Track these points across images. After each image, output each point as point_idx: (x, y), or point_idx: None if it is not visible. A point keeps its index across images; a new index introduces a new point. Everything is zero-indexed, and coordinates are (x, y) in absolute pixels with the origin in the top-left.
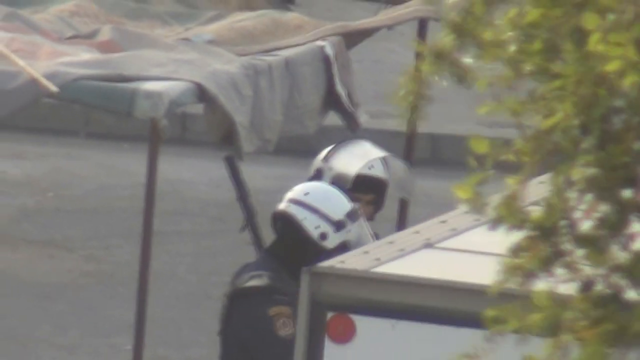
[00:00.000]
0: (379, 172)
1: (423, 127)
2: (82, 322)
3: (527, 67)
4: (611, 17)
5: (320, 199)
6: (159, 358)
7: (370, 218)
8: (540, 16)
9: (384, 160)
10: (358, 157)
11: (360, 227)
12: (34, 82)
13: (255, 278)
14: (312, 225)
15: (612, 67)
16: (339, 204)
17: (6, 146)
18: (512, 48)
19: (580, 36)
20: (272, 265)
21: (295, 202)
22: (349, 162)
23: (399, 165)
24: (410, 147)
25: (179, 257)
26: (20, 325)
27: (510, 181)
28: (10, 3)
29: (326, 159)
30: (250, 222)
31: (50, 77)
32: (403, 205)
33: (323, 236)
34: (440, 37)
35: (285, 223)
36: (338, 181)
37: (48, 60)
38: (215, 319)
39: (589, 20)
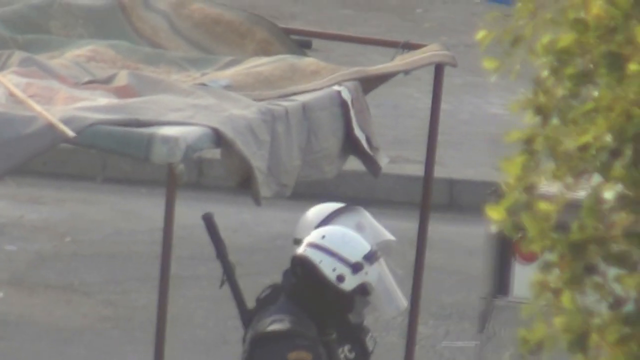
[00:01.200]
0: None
1: (441, 172)
2: None
3: (560, 92)
4: None
5: (337, 242)
6: None
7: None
8: (573, 41)
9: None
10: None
11: (381, 268)
12: (50, 127)
13: (277, 322)
14: (329, 267)
15: None
16: (356, 246)
17: (24, 191)
18: (545, 73)
19: (612, 60)
20: (293, 309)
21: (312, 245)
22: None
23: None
24: (427, 192)
25: (196, 301)
26: None
27: (542, 205)
28: (27, 48)
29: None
30: (229, 278)
31: (67, 122)
32: (420, 251)
33: (340, 278)
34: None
35: (303, 267)
36: None
37: (65, 105)
38: None
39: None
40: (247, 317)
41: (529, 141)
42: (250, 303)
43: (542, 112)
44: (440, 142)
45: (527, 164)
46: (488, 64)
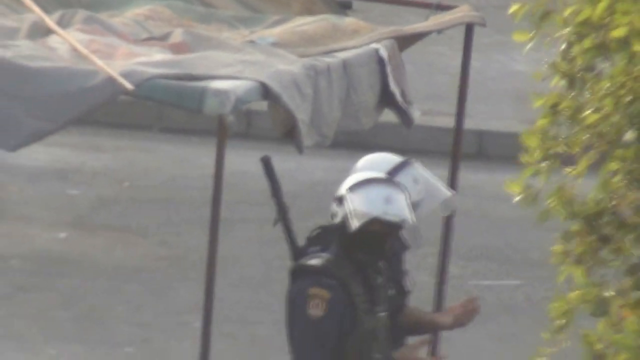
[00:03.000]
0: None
1: (470, 124)
2: (155, 302)
3: (579, 62)
4: None
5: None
6: (225, 335)
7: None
8: (591, 16)
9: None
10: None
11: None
12: (111, 80)
13: (314, 258)
14: (331, 213)
15: None
16: (346, 182)
17: (85, 140)
18: (564, 45)
19: (622, 40)
20: (336, 250)
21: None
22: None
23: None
24: (458, 142)
25: (244, 243)
26: (98, 305)
27: (567, 171)
28: (90, 7)
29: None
30: (283, 217)
31: (126, 75)
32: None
33: (331, 215)
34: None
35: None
36: None
37: (124, 60)
38: (277, 301)
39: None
40: (297, 252)
41: (554, 105)
42: (301, 242)
43: (566, 78)
44: (469, 97)
45: (549, 128)
46: (518, 36)
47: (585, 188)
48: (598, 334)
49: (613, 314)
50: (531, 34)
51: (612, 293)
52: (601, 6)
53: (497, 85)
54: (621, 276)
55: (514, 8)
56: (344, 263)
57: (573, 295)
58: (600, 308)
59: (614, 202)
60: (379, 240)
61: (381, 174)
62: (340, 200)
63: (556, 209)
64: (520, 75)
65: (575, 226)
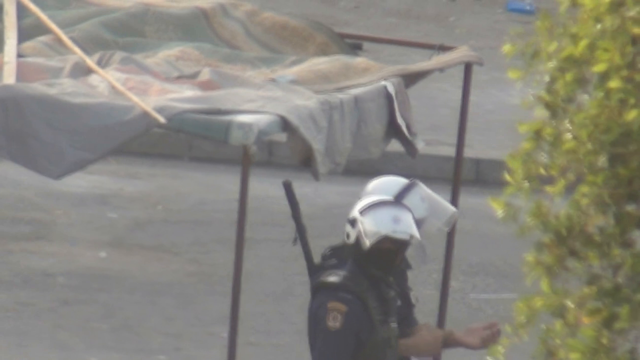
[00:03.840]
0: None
1: (469, 153)
2: (186, 314)
3: (561, 94)
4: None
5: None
6: (250, 344)
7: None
8: (573, 53)
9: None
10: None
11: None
12: (145, 114)
13: (333, 275)
14: (345, 233)
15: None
16: (358, 205)
17: (123, 168)
18: (548, 77)
19: (602, 75)
20: (352, 267)
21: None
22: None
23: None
24: (458, 169)
25: (267, 260)
26: (134, 316)
27: (546, 189)
28: (126, 49)
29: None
30: (301, 237)
31: (159, 110)
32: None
33: (346, 235)
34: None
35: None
36: None
37: (157, 96)
38: (298, 313)
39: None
40: (314, 269)
41: (537, 131)
42: (316, 260)
43: (549, 108)
44: (468, 128)
45: (531, 153)
46: (512, 74)
47: (561, 208)
48: (554, 332)
49: (570, 318)
50: (523, 72)
51: (572, 305)
52: (582, 44)
53: (493, 117)
54: (583, 285)
55: (506, 47)
56: (359, 278)
57: (537, 300)
58: (560, 312)
59: (582, 221)
60: (390, 257)
61: (388, 197)
62: (353, 222)
63: (533, 224)
64: (514, 108)
65: (546, 238)
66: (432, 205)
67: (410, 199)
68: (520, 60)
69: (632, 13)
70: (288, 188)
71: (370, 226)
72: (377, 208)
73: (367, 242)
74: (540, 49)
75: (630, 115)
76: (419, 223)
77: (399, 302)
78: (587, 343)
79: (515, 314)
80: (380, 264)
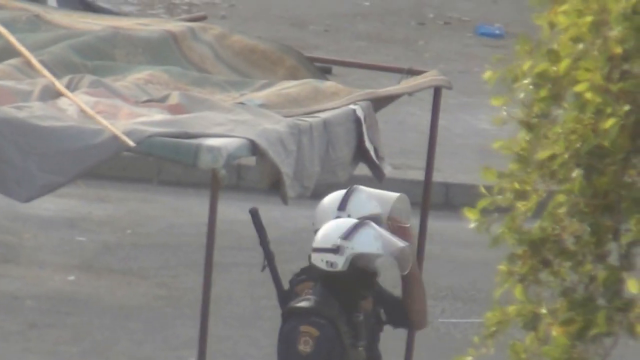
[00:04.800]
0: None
1: (438, 177)
2: (154, 338)
3: (536, 110)
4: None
5: (319, 238)
6: None
7: None
8: (547, 69)
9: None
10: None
11: (374, 229)
12: (115, 138)
13: (305, 300)
14: (320, 262)
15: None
16: (332, 233)
17: (92, 191)
18: (522, 95)
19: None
20: (322, 291)
21: (313, 250)
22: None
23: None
24: (427, 193)
25: (235, 284)
26: (103, 340)
27: (519, 205)
28: (95, 72)
29: (341, 207)
30: (269, 263)
31: (129, 134)
32: (420, 243)
33: (331, 265)
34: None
35: (315, 268)
36: None
37: (127, 119)
38: (266, 337)
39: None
40: (282, 294)
41: (511, 146)
42: (285, 285)
43: (523, 124)
44: (437, 152)
45: (502, 172)
46: (495, 101)
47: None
48: (525, 346)
49: (541, 330)
50: (505, 97)
51: (545, 311)
52: (564, 64)
53: (462, 141)
54: (556, 297)
55: (487, 74)
56: (331, 303)
57: (510, 308)
58: (532, 323)
59: (557, 231)
60: (374, 274)
61: (354, 219)
62: (337, 249)
63: (506, 235)
64: (483, 132)
65: (520, 250)
66: (378, 199)
67: (355, 201)
68: (485, 85)
69: (614, 33)
70: (255, 215)
71: (363, 248)
72: (359, 230)
73: (366, 264)
74: (520, 73)
75: (607, 123)
76: (377, 220)
77: (373, 320)
78: (561, 353)
79: (485, 324)
80: (366, 283)
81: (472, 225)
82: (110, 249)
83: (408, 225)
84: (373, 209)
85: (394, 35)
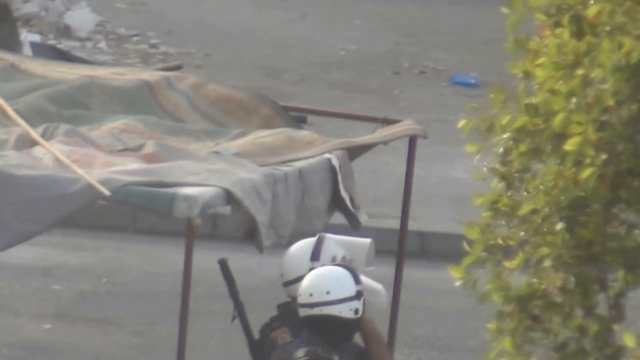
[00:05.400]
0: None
1: (413, 226)
2: None
3: (516, 164)
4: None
5: (339, 289)
6: None
7: None
8: (526, 123)
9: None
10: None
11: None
12: (90, 187)
13: (302, 348)
14: (348, 311)
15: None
16: (348, 280)
17: (68, 240)
18: (502, 149)
19: (557, 140)
20: (310, 337)
21: (323, 304)
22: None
23: (361, 247)
24: (402, 242)
25: (211, 332)
26: None
27: (505, 264)
28: (70, 122)
29: (314, 257)
30: (240, 314)
31: (104, 183)
32: (396, 291)
33: (357, 312)
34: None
35: (324, 321)
36: None
37: (102, 169)
38: None
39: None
40: (254, 346)
41: (494, 203)
42: (256, 335)
43: (504, 179)
44: (413, 201)
45: (489, 224)
46: (470, 147)
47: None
48: None
49: None
50: (480, 145)
51: None
52: (559, 118)
53: (437, 190)
54: (550, 353)
55: (462, 123)
56: (326, 347)
57: None
58: None
59: (543, 285)
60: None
61: (346, 265)
62: (358, 295)
63: (493, 292)
64: (458, 181)
65: (508, 307)
66: (347, 245)
67: (327, 250)
68: (461, 134)
69: (606, 85)
70: (224, 266)
71: (370, 294)
72: (359, 276)
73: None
74: (495, 122)
75: (585, 173)
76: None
77: None
78: None
79: None
80: (357, 325)
81: (458, 283)
82: (85, 297)
83: (372, 268)
84: (343, 255)
85: (369, 85)
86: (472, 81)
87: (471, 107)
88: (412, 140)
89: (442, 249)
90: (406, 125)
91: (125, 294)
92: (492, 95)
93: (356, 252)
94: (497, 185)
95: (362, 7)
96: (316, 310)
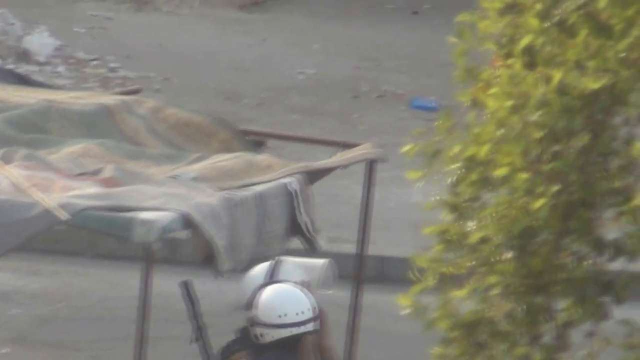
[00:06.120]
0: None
1: (372, 250)
2: None
3: (467, 194)
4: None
5: (295, 311)
6: None
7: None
8: (476, 153)
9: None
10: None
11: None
12: (48, 211)
13: None
14: (310, 330)
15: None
16: (306, 300)
17: (26, 264)
18: (452, 179)
19: (482, 169)
20: (287, 356)
21: (295, 324)
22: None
23: (319, 269)
24: (361, 266)
25: (169, 357)
26: None
27: (453, 293)
28: (29, 146)
29: (272, 277)
30: (201, 335)
31: (62, 207)
32: (354, 315)
33: (315, 331)
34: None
35: (292, 341)
36: None
37: (60, 193)
38: None
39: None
40: None
41: (442, 233)
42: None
43: (454, 210)
44: (371, 225)
45: (439, 254)
46: (411, 174)
47: (467, 300)
48: None
49: None
50: (423, 172)
51: None
52: (485, 148)
53: (396, 215)
54: None
55: (406, 148)
56: None
57: None
58: None
59: (490, 313)
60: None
61: (298, 285)
62: (318, 315)
63: (440, 320)
64: (417, 206)
65: (453, 333)
66: (304, 267)
67: (283, 272)
68: (421, 159)
69: (534, 117)
70: (186, 288)
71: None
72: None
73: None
74: (440, 149)
75: (538, 203)
76: (307, 287)
77: None
78: None
79: None
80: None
81: (406, 311)
82: (44, 322)
83: (330, 292)
84: (300, 276)
85: (328, 108)
86: (431, 105)
87: (417, 132)
88: (371, 165)
89: (401, 273)
90: (365, 149)
91: (83, 319)
92: (437, 123)
93: (313, 273)
94: (446, 216)
95: (322, 31)
96: (287, 332)
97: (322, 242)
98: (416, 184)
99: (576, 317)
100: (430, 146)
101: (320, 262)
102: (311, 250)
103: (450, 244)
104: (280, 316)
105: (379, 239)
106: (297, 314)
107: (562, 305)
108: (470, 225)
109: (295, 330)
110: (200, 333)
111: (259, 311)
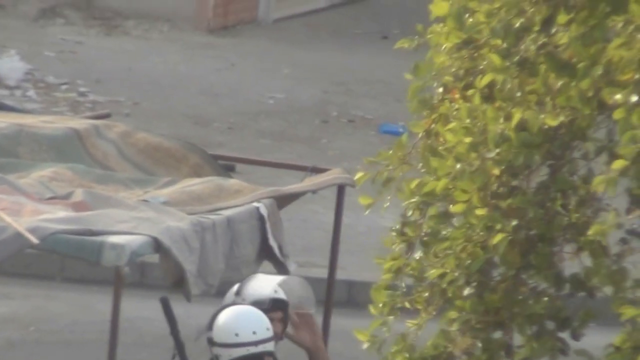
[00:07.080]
0: (282, 294)
1: (341, 275)
2: None
3: (425, 228)
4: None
5: (264, 330)
6: None
7: (280, 336)
8: (436, 187)
9: (282, 283)
10: (264, 285)
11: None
12: (18, 235)
13: None
14: (270, 347)
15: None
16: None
17: None
18: (410, 212)
19: (466, 206)
20: None
21: (265, 341)
22: (260, 290)
23: (296, 283)
24: (330, 291)
25: None
26: None
27: (409, 324)
28: None
29: (238, 292)
30: (180, 353)
31: (32, 230)
32: (324, 339)
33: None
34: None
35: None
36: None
37: (30, 217)
38: None
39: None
40: None
41: (398, 270)
42: None
43: (406, 242)
44: (341, 250)
45: (393, 292)
46: (363, 200)
47: (425, 335)
48: None
49: None
50: (373, 199)
51: None
52: (442, 183)
53: (365, 239)
54: None
55: (358, 175)
56: None
57: None
58: None
59: (449, 349)
60: None
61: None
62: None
63: (397, 355)
64: (386, 230)
65: None
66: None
67: (250, 286)
68: (390, 184)
69: (492, 155)
70: (165, 304)
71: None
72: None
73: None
74: (391, 177)
75: (496, 239)
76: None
77: None
78: None
79: None
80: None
81: (365, 346)
82: (13, 345)
83: (312, 311)
84: (268, 293)
85: (297, 133)
86: (400, 130)
87: (368, 161)
88: (341, 189)
89: (370, 299)
90: (335, 174)
91: (53, 343)
92: (391, 152)
93: (308, 289)
94: (397, 247)
95: (291, 56)
96: (243, 350)
97: (292, 267)
98: (388, 209)
99: (534, 353)
100: (380, 174)
101: (295, 279)
102: (282, 274)
103: (406, 277)
104: (235, 335)
105: (349, 263)
106: (253, 332)
107: (520, 341)
108: (429, 259)
109: (252, 349)
110: (179, 350)
111: (214, 332)
